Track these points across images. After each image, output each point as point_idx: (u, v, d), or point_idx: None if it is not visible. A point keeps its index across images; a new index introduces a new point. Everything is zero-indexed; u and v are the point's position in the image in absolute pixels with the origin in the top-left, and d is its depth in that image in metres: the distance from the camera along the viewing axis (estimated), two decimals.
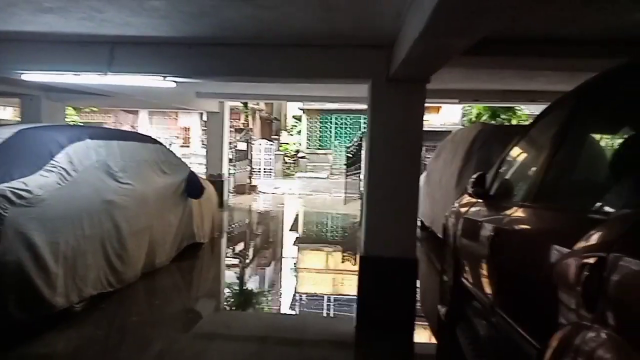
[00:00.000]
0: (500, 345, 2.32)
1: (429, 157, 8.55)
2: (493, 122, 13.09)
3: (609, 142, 2.01)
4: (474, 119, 13.84)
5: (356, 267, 3.77)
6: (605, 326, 1.21)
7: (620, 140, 1.85)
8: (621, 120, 1.85)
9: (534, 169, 2.32)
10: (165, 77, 3.99)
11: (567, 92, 2.24)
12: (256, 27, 3.18)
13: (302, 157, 20.05)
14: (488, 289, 2.48)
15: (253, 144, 14.97)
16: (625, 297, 1.17)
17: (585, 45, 3.29)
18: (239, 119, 18.76)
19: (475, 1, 1.65)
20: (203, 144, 15.98)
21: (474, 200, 3.15)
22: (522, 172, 2.65)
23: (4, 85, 6.30)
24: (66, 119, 9.45)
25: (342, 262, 6.17)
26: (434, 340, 3.69)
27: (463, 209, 3.32)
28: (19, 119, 8.94)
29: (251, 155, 13.64)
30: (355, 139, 12.78)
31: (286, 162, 19.92)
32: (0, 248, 2.91)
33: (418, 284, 4.24)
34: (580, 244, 1.44)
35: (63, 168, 3.53)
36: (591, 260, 1.31)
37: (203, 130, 19.17)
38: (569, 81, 2.37)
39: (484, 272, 2.57)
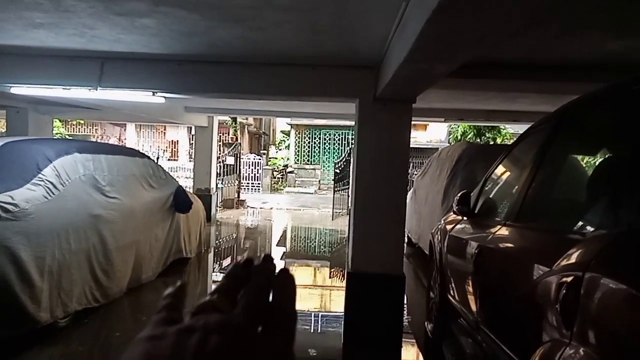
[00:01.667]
0: None
1: (416, 174, 8.64)
2: (478, 140, 13.32)
3: (587, 163, 2.08)
4: (459, 137, 14.05)
5: (344, 283, 3.78)
6: (582, 343, 1.25)
7: (599, 161, 1.92)
8: (600, 141, 1.92)
9: (516, 187, 2.38)
10: (154, 92, 4.00)
11: (548, 114, 2.32)
12: (246, 46, 3.24)
13: (290, 172, 20.07)
14: (473, 306, 2.52)
15: (241, 158, 14.96)
16: (600, 315, 1.22)
17: (566, 69, 3.40)
18: (228, 134, 18.75)
19: (454, 33, 1.72)
20: (191, 158, 15.92)
21: (459, 218, 3.20)
22: (504, 191, 2.72)
23: None
24: (53, 132, 9.35)
25: (330, 277, 6.17)
26: (420, 358, 3.70)
27: (449, 226, 3.37)
28: (3, 132, 8.84)
29: (239, 169, 13.62)
30: (343, 155, 12.86)
31: (274, 177, 19.91)
32: None
33: (405, 300, 4.26)
34: (560, 263, 1.49)
35: (50, 182, 3.51)
36: (568, 279, 1.36)
37: (191, 144, 19.12)
38: (552, 102, 2.47)
39: (469, 289, 2.61)
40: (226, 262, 6.92)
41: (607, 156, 1.89)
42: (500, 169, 2.89)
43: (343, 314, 3.74)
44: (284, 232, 10.07)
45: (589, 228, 1.59)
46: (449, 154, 6.04)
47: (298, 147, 20.83)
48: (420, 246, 6.19)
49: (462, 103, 6.03)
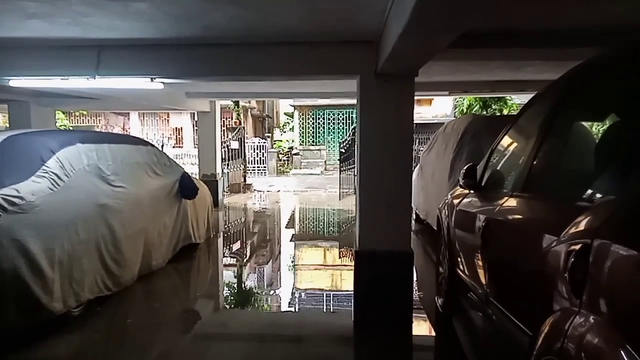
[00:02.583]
0: (495, 335, 2.36)
1: (421, 150, 8.59)
2: (484, 112, 13.16)
3: (594, 130, 2.04)
4: (465, 110, 13.89)
5: (353, 262, 3.80)
6: (592, 311, 1.24)
7: (606, 128, 1.88)
8: (606, 107, 1.88)
9: (522, 159, 2.35)
10: (153, 78, 3.98)
11: (553, 81, 2.27)
12: (242, 27, 3.19)
13: (295, 154, 20.05)
14: (482, 279, 2.52)
15: (246, 142, 14.94)
16: (609, 282, 1.21)
17: (571, 35, 3.32)
18: (231, 118, 18.70)
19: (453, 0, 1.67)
20: (195, 144, 15.93)
21: (466, 191, 3.18)
22: (511, 162, 2.68)
23: None
24: (56, 124, 9.38)
25: (339, 257, 6.21)
26: (432, 333, 3.73)
27: (456, 201, 3.35)
28: (7, 125, 8.87)
29: (244, 153, 13.61)
30: (348, 134, 12.79)
31: (280, 160, 19.91)
32: None
33: (415, 276, 4.28)
34: (567, 232, 1.48)
35: (54, 173, 3.53)
36: (577, 247, 1.35)
37: (195, 130, 19.12)
38: (557, 70, 2.40)
39: (477, 262, 2.61)
40: (235, 246, 6.98)
41: (614, 122, 1.85)
42: (506, 140, 2.85)
43: (353, 292, 3.77)
44: (292, 214, 10.12)
45: (597, 196, 1.56)
46: (454, 127, 5.98)
47: (302, 128, 20.75)
48: (428, 222, 6.19)
49: (466, 75, 5.93)
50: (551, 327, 1.41)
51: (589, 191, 1.64)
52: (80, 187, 3.75)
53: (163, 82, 4.27)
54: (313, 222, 9.21)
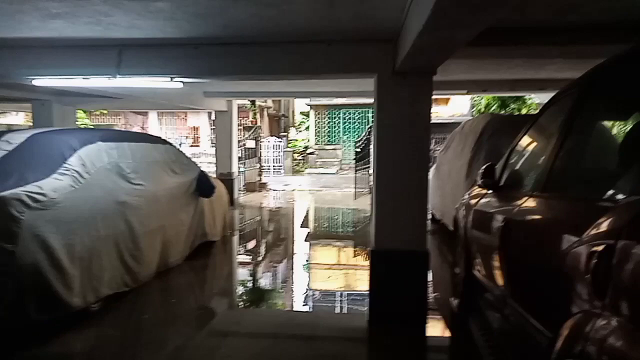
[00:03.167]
0: (513, 336, 2.32)
1: (438, 150, 8.51)
2: (502, 111, 12.98)
3: (617, 129, 1.99)
4: (483, 110, 13.72)
5: (368, 262, 3.78)
6: (615, 313, 1.21)
7: (629, 127, 1.83)
8: (629, 106, 1.83)
9: (543, 158, 2.31)
10: (172, 78, 4.02)
11: (575, 79, 2.22)
12: (260, 25, 3.20)
13: (311, 153, 20.07)
14: (499, 280, 2.48)
15: (262, 141, 15.01)
16: (634, 284, 1.17)
17: (593, 31, 3.24)
18: (247, 117, 18.81)
19: None
20: (212, 143, 16.07)
21: (483, 191, 3.14)
22: (531, 161, 2.64)
23: (16, 91, 6.41)
24: (77, 122, 9.56)
25: (354, 257, 6.19)
26: (447, 333, 3.69)
27: (473, 201, 3.31)
28: (30, 124, 9.08)
29: (260, 152, 13.67)
30: (363, 134, 12.75)
31: (295, 159, 19.95)
32: (18, 251, 2.98)
33: (430, 276, 4.24)
34: (590, 232, 1.44)
35: (76, 171, 3.59)
36: (600, 248, 1.32)
37: (212, 129, 19.27)
38: (579, 68, 2.34)
39: (495, 263, 2.57)
40: (251, 244, 7.01)
41: (638, 120, 1.80)
42: (525, 139, 2.80)
43: (368, 292, 3.76)
44: (307, 213, 10.13)
45: (621, 195, 1.52)
46: (472, 126, 5.91)
47: (318, 128, 20.76)
48: (444, 222, 6.13)
49: (485, 73, 5.85)
50: (572, 329, 1.38)
51: (612, 191, 1.60)
52: (101, 184, 3.81)
53: (182, 82, 4.31)
54: (328, 221, 9.20)
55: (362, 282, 4.76)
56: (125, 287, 3.94)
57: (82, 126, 15.50)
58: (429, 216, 6.76)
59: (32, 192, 3.15)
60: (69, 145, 3.76)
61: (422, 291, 3.68)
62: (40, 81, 4.31)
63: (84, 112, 17.35)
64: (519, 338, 2.19)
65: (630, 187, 1.52)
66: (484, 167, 3.01)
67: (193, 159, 6.05)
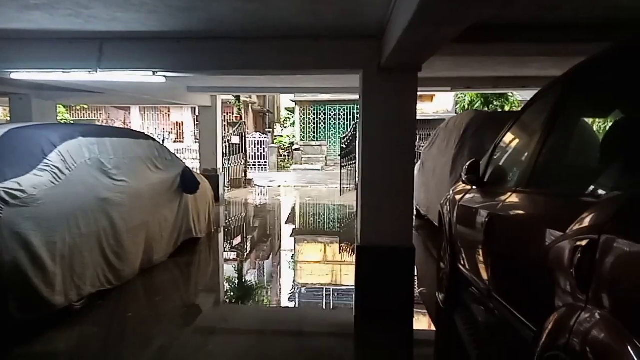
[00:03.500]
0: (497, 330, 2.36)
1: (423, 146, 8.57)
2: (486, 109, 13.13)
3: (599, 126, 2.02)
4: (466, 107, 13.86)
5: (354, 258, 3.79)
6: (598, 307, 1.23)
7: (611, 124, 1.86)
8: (610, 103, 1.87)
9: (526, 154, 2.34)
10: (155, 72, 3.96)
11: (557, 77, 2.25)
12: (244, 19, 3.17)
13: (296, 149, 20.04)
14: (484, 275, 2.51)
15: (247, 137, 14.92)
16: (617, 278, 1.20)
17: (575, 29, 3.29)
18: (232, 113, 18.68)
19: None
20: (196, 139, 15.93)
21: (468, 187, 3.17)
22: (514, 158, 2.67)
23: None
24: (57, 117, 9.36)
25: (340, 252, 6.20)
26: (433, 328, 3.73)
27: (458, 196, 3.34)
28: (8, 119, 8.85)
29: (245, 148, 13.59)
30: (349, 130, 12.76)
31: (281, 155, 19.91)
32: None
33: (416, 272, 4.27)
34: (573, 227, 1.46)
35: (56, 167, 3.52)
36: (583, 243, 1.34)
37: (196, 125, 19.10)
38: (561, 66, 2.38)
39: (480, 258, 2.60)
40: (236, 241, 6.97)
41: (619, 117, 1.83)
42: (509, 136, 2.84)
43: (354, 288, 3.77)
44: (293, 209, 10.11)
45: (603, 191, 1.55)
46: (456, 123, 5.95)
47: (303, 123, 20.73)
48: (429, 218, 6.18)
49: (469, 70, 5.91)
50: (556, 323, 1.40)
51: (595, 187, 1.63)
52: (82, 180, 3.74)
53: (165, 76, 4.25)
54: (314, 218, 9.20)
55: (348, 278, 4.77)
56: (108, 285, 3.88)
57: (63, 121, 15.20)
58: (414, 212, 6.82)
59: (10, 189, 3.07)
60: (49, 141, 3.68)
61: (408, 286, 3.70)
62: (18, 74, 4.20)
63: (64, 107, 17.01)
64: (504, 332, 2.22)
65: (612, 183, 1.55)
66: (468, 163, 3.03)
67: (177, 155, 5.98)
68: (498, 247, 2.33)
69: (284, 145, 21.03)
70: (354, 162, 10.87)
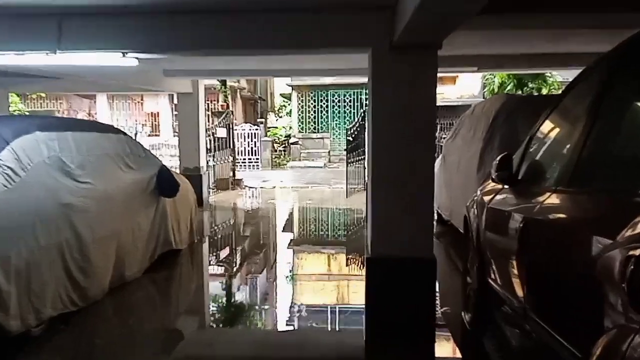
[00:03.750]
0: (534, 356, 2.36)
1: (444, 137, 8.57)
2: (519, 92, 13.12)
3: None
4: (496, 90, 13.86)
5: (364, 272, 3.80)
6: None
7: None
8: None
9: (568, 146, 2.34)
10: (125, 53, 3.97)
11: (604, 53, 2.25)
12: None
13: (294, 143, 20.07)
14: (519, 291, 2.51)
15: (235, 129, 14.96)
16: None
17: None
18: (217, 101, 18.70)
19: None
20: (175, 132, 15.95)
21: (499, 186, 3.17)
22: (554, 150, 2.67)
23: None
24: (9, 108, 9.40)
25: (347, 265, 6.21)
26: (458, 354, 3.73)
27: (487, 198, 3.34)
28: None
29: (233, 143, 13.63)
30: (357, 119, 12.78)
31: (275, 150, 19.94)
32: None
33: (437, 287, 4.28)
34: (625, 233, 1.46)
35: (9, 167, 3.53)
36: (637, 252, 1.33)
37: (174, 115, 19.11)
38: (610, 40, 2.37)
39: (514, 271, 2.60)
40: (224, 253, 6.99)
41: None
42: (547, 125, 2.84)
43: (364, 307, 3.77)
44: (290, 214, 10.13)
45: None
46: (484, 110, 5.96)
47: (301, 112, 20.74)
48: (453, 223, 6.18)
49: (499, 47, 5.90)
50: (605, 348, 1.40)
51: None
52: (40, 183, 3.75)
53: (137, 58, 4.26)
54: (315, 224, 9.22)
55: (357, 296, 4.77)
56: (72, 307, 3.89)
57: (16, 113, 15.26)
58: (435, 216, 6.82)
59: None
60: (0, 137, 3.69)
61: (427, 305, 3.70)
62: None
63: (18, 95, 17.07)
64: (542, 358, 2.22)
65: None
66: (499, 158, 3.04)
67: (152, 152, 5.99)
68: (535, 258, 2.33)
69: (279, 139, 21.06)
70: (363, 157, 10.88)
